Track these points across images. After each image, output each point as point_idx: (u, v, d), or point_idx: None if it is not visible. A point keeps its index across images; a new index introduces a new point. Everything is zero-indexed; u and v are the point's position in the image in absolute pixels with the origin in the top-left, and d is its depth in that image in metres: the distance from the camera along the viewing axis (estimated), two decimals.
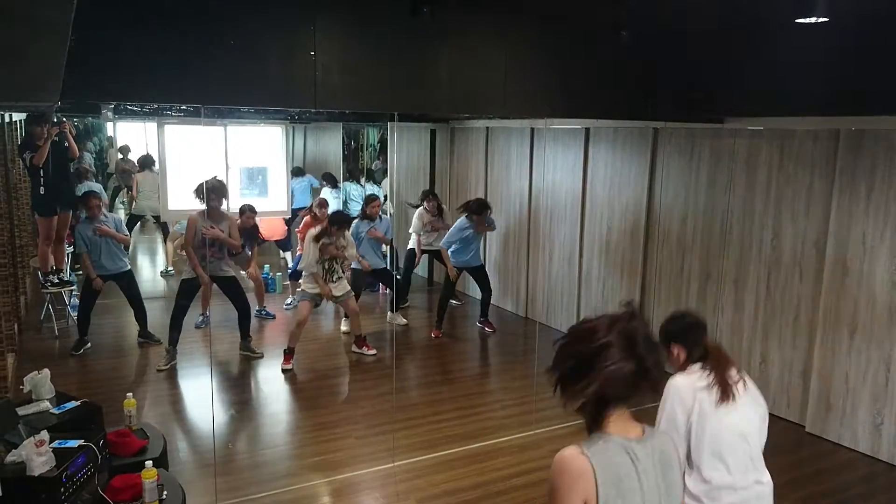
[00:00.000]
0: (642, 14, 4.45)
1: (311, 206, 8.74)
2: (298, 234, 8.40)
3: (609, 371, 1.57)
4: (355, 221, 7.43)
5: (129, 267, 6.91)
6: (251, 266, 7.67)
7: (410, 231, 8.26)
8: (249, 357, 6.70)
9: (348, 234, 6.81)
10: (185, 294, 6.53)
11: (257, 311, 7.90)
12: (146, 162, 10.25)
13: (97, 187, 9.49)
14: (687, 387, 2.60)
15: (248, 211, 7.43)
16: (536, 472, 4.59)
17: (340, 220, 6.70)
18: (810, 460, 5.03)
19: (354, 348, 6.89)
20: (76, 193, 8.51)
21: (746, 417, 2.62)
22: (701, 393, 2.57)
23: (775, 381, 5.58)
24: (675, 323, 2.79)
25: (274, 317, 8.02)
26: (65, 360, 6.49)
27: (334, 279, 6.62)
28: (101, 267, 6.64)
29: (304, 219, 8.49)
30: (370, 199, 7.72)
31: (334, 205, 9.10)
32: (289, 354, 6.46)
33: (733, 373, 2.65)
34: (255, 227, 7.58)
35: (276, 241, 9.46)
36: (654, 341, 1.66)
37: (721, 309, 5.98)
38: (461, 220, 7.34)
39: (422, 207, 8.18)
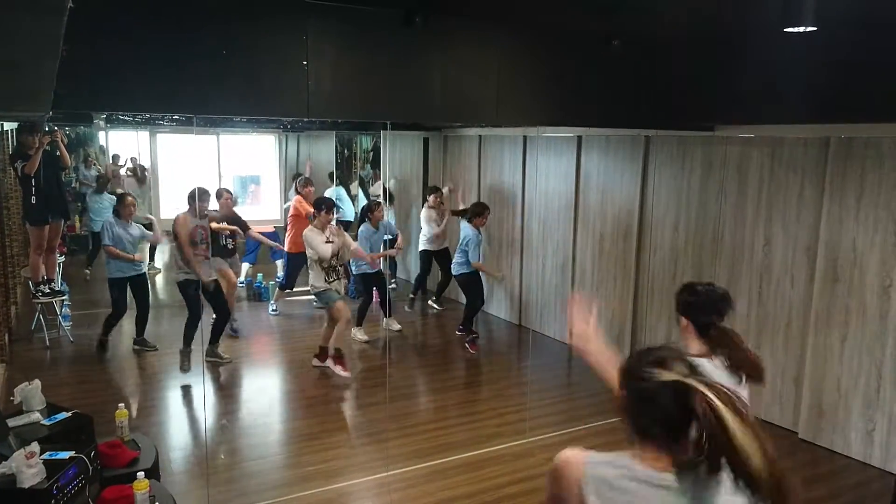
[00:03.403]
0: (633, 23, 4.48)
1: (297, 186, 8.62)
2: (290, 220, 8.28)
3: None
4: (362, 227, 7.52)
5: (144, 270, 7.01)
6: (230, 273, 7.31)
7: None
8: (217, 363, 6.62)
9: (346, 234, 6.68)
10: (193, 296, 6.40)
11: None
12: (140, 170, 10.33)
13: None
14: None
15: (225, 193, 7.12)
16: (530, 480, 4.58)
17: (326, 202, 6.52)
18: (803, 467, 5.04)
19: (317, 362, 6.57)
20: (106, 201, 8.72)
21: None
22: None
23: (767, 387, 5.59)
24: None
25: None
26: (56, 370, 6.45)
27: (331, 279, 6.37)
28: (120, 269, 6.70)
29: (294, 200, 8.40)
30: (374, 206, 7.65)
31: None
32: (338, 357, 6.35)
33: None
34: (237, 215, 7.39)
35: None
36: None
37: None
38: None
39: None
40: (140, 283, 6.91)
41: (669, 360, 1.53)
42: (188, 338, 6.40)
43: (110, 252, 6.61)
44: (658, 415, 1.50)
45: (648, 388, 1.51)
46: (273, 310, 8.47)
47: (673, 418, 1.49)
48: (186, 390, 6.16)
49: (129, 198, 6.96)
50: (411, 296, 8.86)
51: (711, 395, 1.43)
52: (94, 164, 9.84)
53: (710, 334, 2.56)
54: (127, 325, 7.16)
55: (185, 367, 6.35)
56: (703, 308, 2.60)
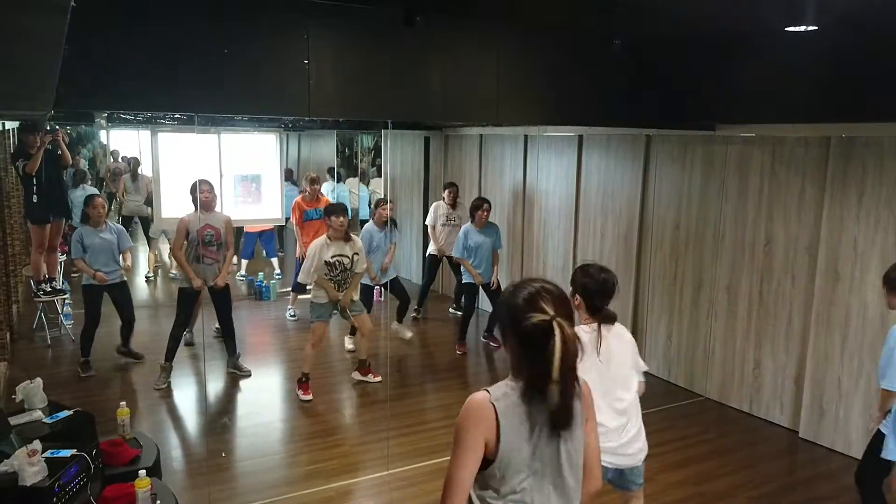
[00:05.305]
0: (634, 22, 4.48)
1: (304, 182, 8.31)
2: (293, 220, 8.04)
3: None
4: (367, 226, 6.99)
5: (124, 277, 6.56)
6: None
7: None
8: (237, 375, 6.34)
9: (357, 239, 6.08)
10: (184, 305, 6.14)
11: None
12: (133, 165, 10.34)
13: (94, 191, 9.39)
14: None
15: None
16: None
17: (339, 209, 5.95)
18: (804, 466, 5.05)
19: (357, 375, 6.29)
20: (74, 198, 8.50)
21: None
22: None
23: (768, 386, 5.60)
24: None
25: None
26: (58, 369, 6.46)
27: (341, 290, 5.86)
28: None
29: (296, 200, 8.08)
30: (380, 203, 7.16)
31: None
32: (304, 382, 5.87)
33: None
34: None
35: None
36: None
37: (714, 315, 6.00)
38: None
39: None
40: (120, 291, 6.44)
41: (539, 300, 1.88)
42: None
43: (79, 266, 6.22)
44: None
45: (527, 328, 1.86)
46: (291, 315, 8.20)
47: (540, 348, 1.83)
48: (188, 389, 6.16)
49: (98, 199, 6.38)
50: (414, 314, 8.15)
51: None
52: (83, 185, 9.70)
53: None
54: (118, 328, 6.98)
55: (163, 383, 6.00)
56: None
